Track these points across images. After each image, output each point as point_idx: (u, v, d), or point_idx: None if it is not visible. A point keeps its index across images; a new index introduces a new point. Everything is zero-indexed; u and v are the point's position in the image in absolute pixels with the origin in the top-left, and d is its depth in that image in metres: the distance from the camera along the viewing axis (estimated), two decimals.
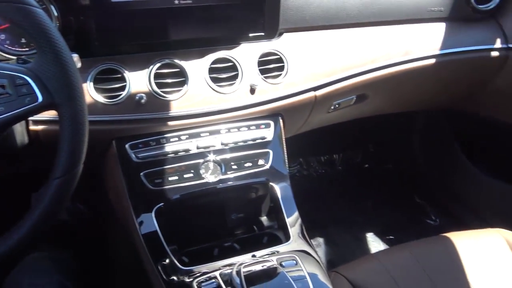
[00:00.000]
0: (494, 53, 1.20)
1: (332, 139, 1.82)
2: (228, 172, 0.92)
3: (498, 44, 1.19)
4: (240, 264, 0.73)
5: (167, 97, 0.87)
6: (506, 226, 1.09)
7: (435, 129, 1.68)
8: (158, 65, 0.87)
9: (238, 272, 0.71)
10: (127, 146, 0.87)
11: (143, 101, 0.84)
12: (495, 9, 1.18)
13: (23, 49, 0.84)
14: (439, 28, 1.15)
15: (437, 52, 1.14)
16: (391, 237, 1.60)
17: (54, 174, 0.59)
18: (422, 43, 1.12)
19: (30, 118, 0.80)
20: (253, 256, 0.82)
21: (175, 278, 0.77)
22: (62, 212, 1.32)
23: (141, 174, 0.86)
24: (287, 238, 0.88)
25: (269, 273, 0.71)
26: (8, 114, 0.56)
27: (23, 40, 0.83)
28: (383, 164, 1.90)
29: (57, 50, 0.57)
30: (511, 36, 1.19)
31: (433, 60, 1.14)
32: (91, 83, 0.82)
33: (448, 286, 0.96)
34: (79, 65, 0.66)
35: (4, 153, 0.73)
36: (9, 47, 0.83)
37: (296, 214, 0.92)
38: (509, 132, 1.38)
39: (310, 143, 1.73)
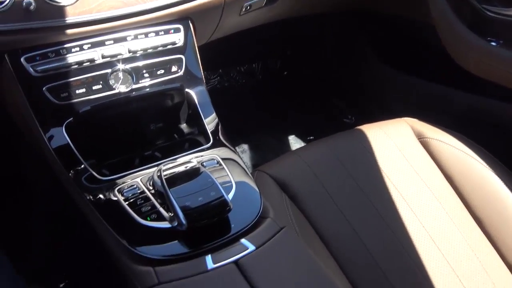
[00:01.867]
0: None
1: (250, 49, 1.80)
2: (140, 81, 0.88)
3: None
4: (160, 168, 0.72)
5: (59, 2, 0.78)
6: (413, 116, 1.18)
7: (346, 32, 1.72)
8: None
9: (159, 175, 0.70)
10: (22, 59, 0.79)
11: (31, 7, 0.75)
12: None
13: None
14: None
15: None
16: (311, 137, 1.68)
17: None
18: None
19: None
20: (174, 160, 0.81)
21: (94, 189, 0.75)
22: None
23: (44, 89, 0.80)
24: (208, 141, 0.88)
25: (191, 173, 0.71)
26: None
27: None
28: (301, 69, 1.94)
29: None
30: None
31: None
32: None
33: (361, 173, 1.02)
34: None
35: None
36: None
37: (215, 117, 0.92)
38: (413, 27, 1.45)
39: (229, 53, 1.70)
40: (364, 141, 1.10)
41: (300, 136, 1.68)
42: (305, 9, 1.36)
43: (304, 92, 1.87)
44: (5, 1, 0.75)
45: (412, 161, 1.05)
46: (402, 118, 1.18)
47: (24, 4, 0.75)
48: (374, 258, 0.89)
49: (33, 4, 0.75)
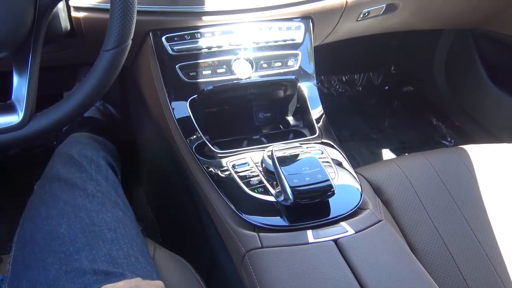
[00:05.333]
0: None
1: (355, 60, 1.82)
2: (259, 70, 0.95)
3: None
4: (272, 149, 0.78)
5: None
6: None
7: (460, 50, 1.67)
8: None
9: (270, 155, 0.76)
10: (163, 38, 0.90)
11: None
12: None
13: None
14: None
15: None
16: (406, 154, 1.65)
17: (105, 47, 0.63)
18: None
19: (72, 4, 0.83)
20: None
21: (208, 160, 0.83)
22: (96, 112, 1.39)
23: (177, 66, 0.90)
24: (313, 133, 0.92)
25: (299, 156, 0.76)
26: None
27: None
28: (404, 86, 1.92)
29: None
30: None
31: None
32: None
33: (459, 190, 1.00)
34: None
35: (51, 38, 0.76)
36: None
37: (322, 112, 0.96)
38: None
39: (333, 62, 1.74)
40: (465, 159, 1.07)
41: (395, 151, 1.66)
42: (420, 23, 1.36)
43: (404, 108, 1.85)
44: None
45: None
46: (510, 144, 1.13)
47: None
48: (463, 277, 0.87)
49: None
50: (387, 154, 1.66)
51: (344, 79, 1.90)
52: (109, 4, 0.62)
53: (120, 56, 0.64)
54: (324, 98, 1.87)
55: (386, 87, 1.94)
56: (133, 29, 0.65)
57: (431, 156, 1.09)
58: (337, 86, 1.90)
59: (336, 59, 1.69)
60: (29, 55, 0.63)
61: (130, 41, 0.65)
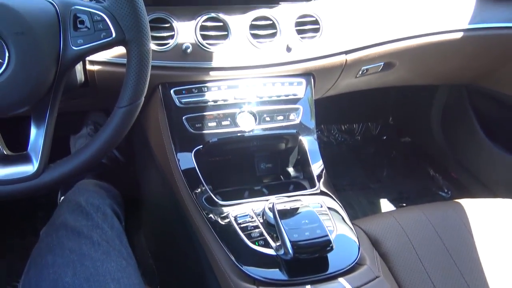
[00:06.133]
0: None
1: (354, 110, 1.88)
2: (262, 123, 0.99)
3: None
4: (273, 202, 0.81)
5: (210, 49, 0.93)
6: None
7: (455, 105, 1.73)
8: (204, 17, 0.94)
9: (271, 208, 0.79)
10: (171, 91, 0.94)
11: (189, 50, 0.91)
12: None
13: None
14: (468, 4, 1.19)
15: (465, 26, 1.18)
16: (403, 204, 1.67)
17: (120, 104, 0.67)
18: (451, 16, 1.17)
19: (87, 58, 0.88)
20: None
21: (211, 211, 0.85)
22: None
23: (183, 118, 0.94)
24: (313, 186, 0.95)
25: (299, 210, 0.78)
26: (86, 46, 0.63)
27: None
28: (401, 136, 1.96)
29: None
30: None
31: (460, 34, 1.18)
32: None
33: (457, 245, 1.02)
34: None
35: (66, 89, 0.81)
36: None
37: (321, 165, 1.00)
38: None
39: (333, 112, 1.79)
40: (462, 214, 1.09)
41: (393, 201, 1.69)
42: (416, 79, 1.42)
43: (402, 158, 1.89)
44: (169, 43, 0.91)
45: None
46: (508, 199, 1.16)
47: (184, 47, 0.91)
48: None
49: (190, 48, 0.91)
50: (385, 204, 1.69)
51: (343, 128, 1.95)
52: (122, 59, 0.67)
53: (133, 112, 0.68)
54: (324, 147, 1.91)
55: (384, 137, 1.99)
56: (147, 87, 0.69)
57: (428, 210, 1.11)
58: (337, 135, 1.94)
59: (335, 108, 1.74)
60: (47, 109, 0.66)
61: (143, 99, 0.69)
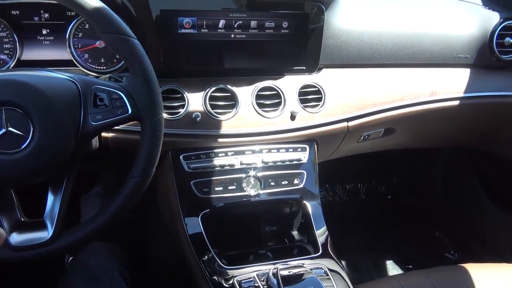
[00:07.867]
0: None
1: (359, 169, 1.91)
2: (267, 188, 1.03)
3: None
4: (277, 268, 0.82)
5: (219, 117, 0.99)
6: None
7: (456, 166, 1.76)
8: (213, 88, 1.00)
9: (275, 274, 0.80)
10: (181, 157, 0.99)
11: (198, 119, 0.97)
12: None
13: (101, 68, 0.98)
14: (465, 73, 1.25)
15: (462, 95, 1.24)
16: (409, 266, 1.66)
17: (133, 174, 0.71)
18: (448, 85, 1.22)
19: None
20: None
21: (217, 275, 0.87)
22: None
23: (192, 182, 0.98)
24: (316, 250, 0.97)
25: (302, 277, 0.80)
26: (104, 121, 0.69)
27: (102, 60, 0.98)
28: (405, 196, 1.98)
29: (147, 74, 0.70)
30: None
31: (457, 102, 1.24)
32: None
33: None
34: None
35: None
36: (91, 65, 0.97)
37: (325, 230, 1.02)
38: None
39: (338, 171, 1.82)
40: (467, 280, 1.09)
41: (398, 263, 1.68)
42: (417, 144, 1.46)
43: (407, 219, 1.89)
44: (180, 112, 0.97)
45: None
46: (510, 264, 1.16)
47: (193, 115, 0.97)
48: None
49: (200, 116, 0.97)
50: (390, 266, 1.67)
51: (348, 188, 1.98)
52: (134, 127, 0.72)
53: (145, 182, 0.72)
54: (329, 206, 1.92)
55: (389, 196, 2.00)
56: (158, 159, 0.73)
57: (434, 275, 1.11)
58: (341, 194, 1.97)
59: (340, 168, 1.78)
60: (65, 178, 0.71)
61: (154, 169, 0.74)
